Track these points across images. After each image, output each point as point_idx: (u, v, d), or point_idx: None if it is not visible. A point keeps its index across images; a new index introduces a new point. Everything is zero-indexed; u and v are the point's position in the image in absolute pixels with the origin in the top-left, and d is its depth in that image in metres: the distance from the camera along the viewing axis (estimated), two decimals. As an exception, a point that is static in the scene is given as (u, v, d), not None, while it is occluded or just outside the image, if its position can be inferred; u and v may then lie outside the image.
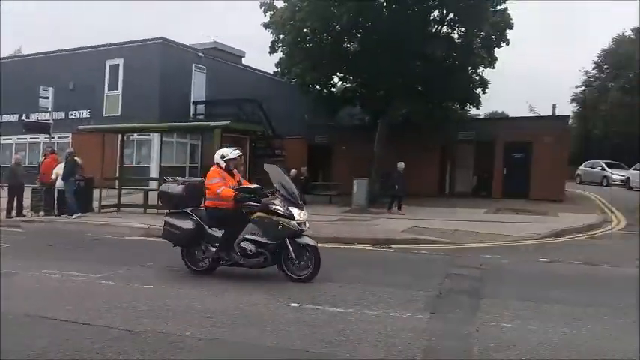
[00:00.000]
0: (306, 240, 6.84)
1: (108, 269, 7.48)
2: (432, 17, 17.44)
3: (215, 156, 7.32)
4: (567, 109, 37.62)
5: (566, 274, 7.74)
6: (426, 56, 17.02)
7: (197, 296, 6.07)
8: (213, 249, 7.00)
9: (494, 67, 18.68)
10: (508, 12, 17.76)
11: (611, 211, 16.04)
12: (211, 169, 7.20)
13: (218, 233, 6.96)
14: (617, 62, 34.89)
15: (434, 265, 8.34)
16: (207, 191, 7.09)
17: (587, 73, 37.77)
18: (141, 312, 5.43)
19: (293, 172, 17.93)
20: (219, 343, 4.58)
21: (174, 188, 7.38)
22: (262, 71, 26.12)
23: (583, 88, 37.80)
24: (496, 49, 18.36)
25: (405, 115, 20.54)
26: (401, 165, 15.75)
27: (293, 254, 6.76)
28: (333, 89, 20.61)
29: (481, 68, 18.85)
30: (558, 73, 73.32)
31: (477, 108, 21.11)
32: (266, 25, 18.37)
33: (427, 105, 19.22)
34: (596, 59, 37.27)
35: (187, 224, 7.04)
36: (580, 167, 30.80)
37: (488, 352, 4.38)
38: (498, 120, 30.88)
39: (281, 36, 18.31)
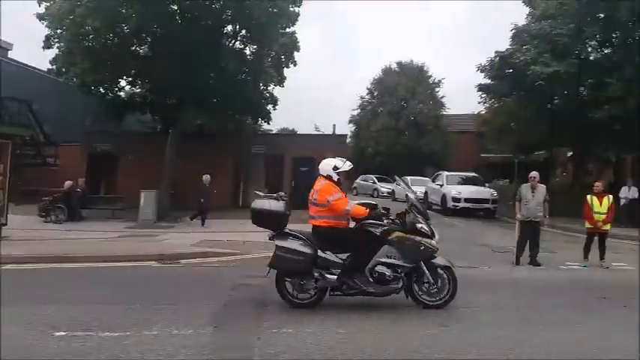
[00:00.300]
0: (440, 261, 6.23)
1: None
2: (225, 31, 17.64)
3: (323, 166, 6.42)
4: (346, 128, 41.94)
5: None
6: (220, 68, 17.08)
7: None
8: (332, 276, 5.97)
9: (283, 86, 19.84)
10: (295, 35, 19.04)
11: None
12: (323, 182, 6.29)
13: (332, 257, 6.02)
14: (385, 90, 40.24)
15: (223, 278, 8.30)
16: (320, 209, 6.15)
17: (362, 98, 42.63)
18: None
19: (68, 183, 16.10)
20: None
21: (276, 205, 6.23)
22: (35, 68, 23.13)
23: (359, 110, 42.55)
24: (285, 69, 19.51)
25: (198, 126, 20.26)
26: (206, 178, 15.47)
27: (430, 278, 6.11)
28: (119, 93, 19.22)
29: (272, 86, 19.78)
30: (340, 96, 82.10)
31: (268, 123, 22.08)
32: (40, 17, 16.28)
33: (221, 117, 19.30)
34: (369, 86, 42.37)
35: (306, 248, 5.98)
36: (356, 180, 34.64)
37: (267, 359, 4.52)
38: (287, 136, 32.77)
39: (58, 30, 16.40)
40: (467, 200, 20.30)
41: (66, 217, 15.11)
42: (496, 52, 20.57)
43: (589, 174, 25.22)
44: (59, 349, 4.64)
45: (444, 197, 21.07)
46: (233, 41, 18.12)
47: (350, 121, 42.63)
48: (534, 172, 10.52)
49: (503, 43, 28.69)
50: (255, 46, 18.47)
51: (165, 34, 16.24)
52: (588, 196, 10.30)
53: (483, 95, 24.23)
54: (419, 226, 6.12)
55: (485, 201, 20.56)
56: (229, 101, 18.39)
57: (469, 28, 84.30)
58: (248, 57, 18.55)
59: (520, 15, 47.85)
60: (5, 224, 11.66)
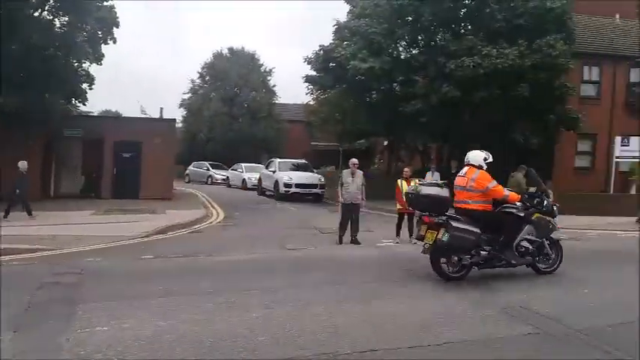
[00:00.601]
0: (554, 236, 7.69)
1: None
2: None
3: (474, 157, 7.41)
4: (176, 113, 40.25)
5: (166, 268, 8.14)
6: (22, 40, 14.95)
7: None
8: (484, 252, 7.04)
9: (101, 64, 18.17)
10: (115, 10, 17.60)
11: (213, 207, 18.00)
12: (479, 171, 7.23)
13: (485, 235, 7.05)
14: (217, 75, 39.57)
15: (27, 277, 7.33)
16: (475, 194, 7.12)
17: (193, 82, 41.29)
18: None
19: None
20: None
21: (442, 191, 7.19)
22: None
23: (190, 95, 41.16)
24: (104, 46, 17.92)
25: None
26: (23, 164, 13.68)
27: (549, 249, 7.59)
28: None
29: (87, 63, 18.00)
30: (167, 78, 78.68)
31: (84, 104, 20.05)
32: None
33: (25, 94, 16.85)
34: (200, 70, 41.18)
35: (475, 228, 6.90)
36: (189, 167, 33.62)
37: (79, 360, 4.16)
38: (108, 118, 30.28)
39: None
40: (297, 186, 21.17)
41: None
42: (320, 45, 21.60)
43: (401, 161, 28.17)
44: None
45: (276, 183, 21.66)
46: (40, 11, 16.03)
47: (180, 105, 41.19)
48: (354, 159, 11.35)
49: (327, 38, 30.38)
50: (65, 18, 16.59)
51: None
52: (399, 181, 11.43)
53: (310, 87, 25.25)
54: (555, 209, 7.66)
55: (314, 186, 21.67)
56: (36, 77, 16.18)
57: (301, 22, 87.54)
58: (57, 29, 16.59)
59: (343, 11, 50.93)
60: None
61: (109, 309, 5.53)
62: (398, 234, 11.19)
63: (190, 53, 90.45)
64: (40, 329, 4.93)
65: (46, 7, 16.13)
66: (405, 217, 11.12)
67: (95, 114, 28.34)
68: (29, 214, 13.25)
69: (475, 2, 18.78)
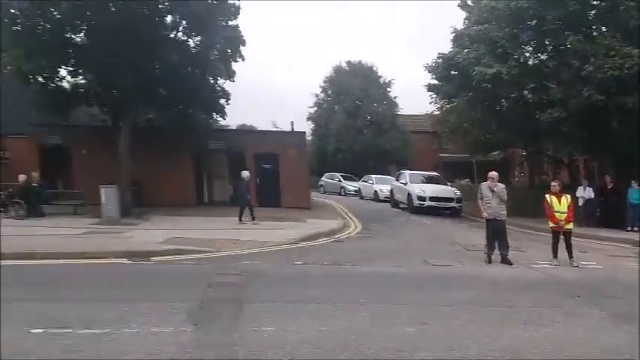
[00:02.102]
0: None
1: None
2: (166, 22, 17.08)
3: None
4: (303, 125, 42.03)
5: (317, 274, 8.47)
6: (163, 60, 16.35)
7: None
8: None
9: (233, 80, 19.33)
10: (239, 29, 18.48)
11: (350, 217, 18.35)
12: None
13: None
14: (339, 89, 40.49)
15: (195, 275, 8.16)
16: None
17: (316, 95, 42.75)
18: None
19: (22, 177, 15.41)
20: None
21: None
22: None
23: (315, 108, 42.68)
24: (233, 63, 19.09)
25: (148, 120, 19.64)
26: (245, 174, 15.32)
27: None
28: (61, 83, 18.12)
29: (221, 80, 19.30)
30: (292, 92, 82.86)
31: (224, 118, 21.62)
32: None
33: (172, 111, 18.72)
34: (322, 84, 42.48)
35: None
36: (322, 178, 34.75)
37: (251, 358, 4.47)
38: (247, 132, 32.48)
39: None
40: (432, 199, 20.64)
41: (26, 213, 14.47)
42: (439, 54, 20.56)
43: (545, 174, 26.18)
44: (37, 347, 4.47)
45: (409, 196, 21.36)
46: (175, 32, 17.49)
47: (308, 119, 42.85)
48: (493, 172, 10.70)
49: (444, 45, 28.89)
50: (198, 38, 17.98)
51: (99, 21, 15.49)
52: (547, 196, 10.60)
53: (434, 95, 24.42)
54: None
55: (450, 200, 20.97)
56: (178, 94, 17.81)
57: (409, 30, 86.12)
58: (192, 49, 18.00)
59: (458, 18, 48.99)
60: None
61: (271, 310, 5.90)
62: (555, 255, 10.33)
63: (309, 66, 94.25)
64: (213, 325, 5.39)
65: (180, 29, 17.43)
66: (561, 236, 10.28)
67: (232, 128, 30.67)
68: (252, 218, 14.72)
69: (606, 2, 16.78)
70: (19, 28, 15.17)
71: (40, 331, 4.89)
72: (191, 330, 5.12)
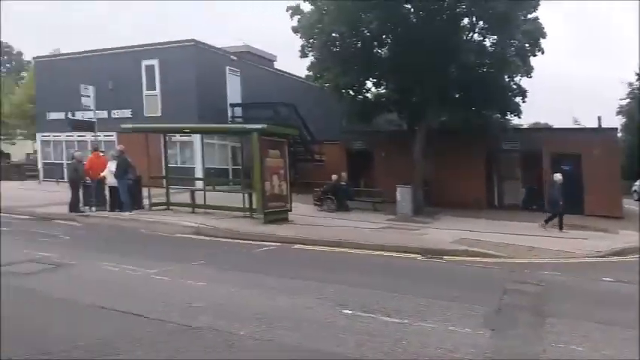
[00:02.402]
0: None
1: (162, 265, 7.59)
2: (462, 25, 17.07)
3: None
4: (613, 121, 36.08)
5: (632, 295, 7.25)
6: (460, 63, 16.60)
7: (250, 297, 6.06)
8: None
9: (530, 77, 18.21)
10: (539, 21, 17.32)
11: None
12: None
13: None
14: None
15: (489, 279, 8.04)
16: None
17: (630, 85, 36.02)
18: (196, 309, 5.45)
19: (334, 177, 17.87)
20: (275, 345, 4.52)
21: None
22: (295, 75, 26.18)
23: (628, 100, 36.07)
24: (531, 58, 17.88)
25: (443, 123, 20.15)
26: (558, 177, 14.51)
27: None
28: (367, 94, 20.41)
29: (518, 77, 18.33)
30: (595, 84, 71.45)
31: (519, 117, 20.50)
32: (295, 30, 18.32)
33: (465, 112, 18.74)
34: (638, 71, 35.54)
35: None
36: (636, 183, 29.32)
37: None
38: (543, 130, 29.89)
39: (310, 40, 18.25)
40: None
41: (336, 207, 16.85)
42: None
43: None
44: (347, 326, 5.09)
45: None
46: (471, 34, 17.41)
47: (618, 112, 36.68)
48: None
49: None
50: (495, 37, 17.41)
51: (402, 35, 16.51)
52: None
53: None
54: None
55: None
56: (472, 95, 17.77)
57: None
58: (488, 48, 17.58)
59: None
60: (290, 210, 13.77)
61: (578, 329, 5.33)
62: None
63: (619, 55, 79.37)
64: (513, 333, 5.16)
65: (476, 30, 17.34)
66: None
67: (525, 127, 28.67)
68: (560, 227, 13.90)
69: None
70: (338, 49, 17.77)
71: (349, 312, 5.55)
72: (489, 335, 5.04)
